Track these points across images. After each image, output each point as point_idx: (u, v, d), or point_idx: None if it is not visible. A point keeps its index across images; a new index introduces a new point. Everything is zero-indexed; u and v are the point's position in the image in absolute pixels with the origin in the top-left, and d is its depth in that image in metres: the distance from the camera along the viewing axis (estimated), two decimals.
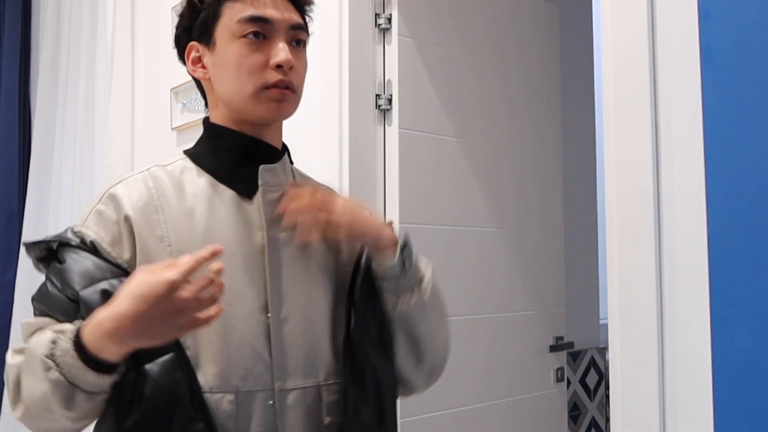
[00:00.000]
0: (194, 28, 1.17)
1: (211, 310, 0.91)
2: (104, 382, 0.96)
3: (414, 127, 2.10)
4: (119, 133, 2.68)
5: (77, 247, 1.07)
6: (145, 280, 0.91)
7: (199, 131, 2.36)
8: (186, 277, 0.90)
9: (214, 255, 0.92)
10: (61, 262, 1.05)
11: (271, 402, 1.08)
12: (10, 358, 1.03)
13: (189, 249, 1.01)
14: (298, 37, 1.16)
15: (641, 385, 1.27)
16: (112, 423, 1.00)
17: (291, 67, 1.12)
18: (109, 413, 1.01)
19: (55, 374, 0.93)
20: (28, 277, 2.90)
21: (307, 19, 1.21)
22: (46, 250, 1.09)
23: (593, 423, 3.12)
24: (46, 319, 1.03)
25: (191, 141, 2.81)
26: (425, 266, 1.21)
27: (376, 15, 2.06)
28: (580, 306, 2.90)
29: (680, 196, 1.25)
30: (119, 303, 0.92)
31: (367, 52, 2.03)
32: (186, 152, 1.21)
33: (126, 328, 0.91)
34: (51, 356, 0.94)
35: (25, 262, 2.91)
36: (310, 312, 1.13)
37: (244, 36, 1.12)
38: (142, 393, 0.98)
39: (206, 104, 1.24)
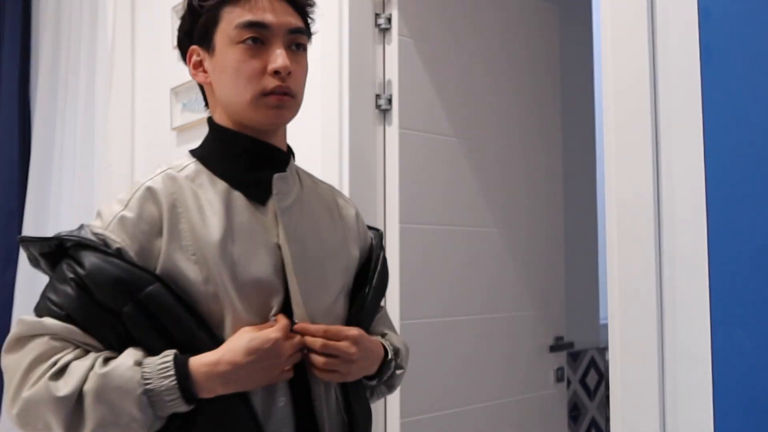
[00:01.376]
0: (194, 32, 1.16)
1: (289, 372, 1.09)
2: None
3: (414, 127, 2.10)
4: (119, 133, 2.68)
5: (99, 250, 1.04)
6: (253, 336, 1.04)
7: (199, 131, 2.37)
8: (286, 335, 1.07)
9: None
10: (79, 262, 1.03)
11: (282, 402, 1.10)
12: (9, 358, 1.03)
13: (210, 258, 1.07)
14: (297, 41, 1.14)
15: (641, 385, 1.27)
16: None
17: (289, 73, 1.11)
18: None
19: (148, 411, 0.98)
20: (28, 276, 2.90)
21: (309, 21, 1.19)
22: (56, 246, 1.06)
23: (593, 423, 3.12)
24: (70, 327, 1.01)
25: (191, 141, 2.83)
26: (405, 363, 1.30)
27: (376, 15, 2.06)
28: (580, 306, 2.90)
29: (680, 197, 1.25)
30: (234, 353, 1.03)
31: (367, 52, 2.03)
32: (193, 154, 1.19)
33: (237, 373, 1.02)
34: (148, 392, 0.98)
35: (25, 262, 2.91)
36: (328, 310, 1.17)
37: (242, 42, 1.10)
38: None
39: (206, 104, 1.23)
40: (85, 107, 2.83)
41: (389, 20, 2.06)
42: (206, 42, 1.15)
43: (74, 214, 2.78)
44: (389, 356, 1.23)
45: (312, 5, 1.19)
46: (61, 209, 2.87)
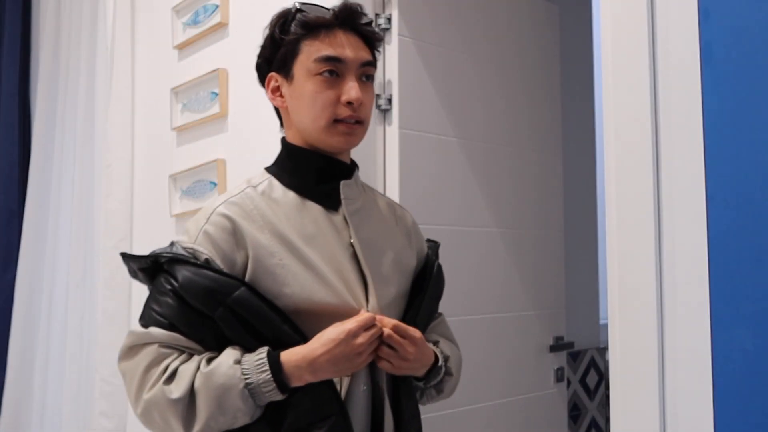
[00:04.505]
0: (274, 61, 1.28)
1: (370, 356, 1.19)
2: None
3: (414, 127, 2.10)
4: (119, 133, 2.68)
5: (190, 262, 1.16)
6: (334, 330, 1.15)
7: (200, 131, 2.38)
8: (361, 329, 1.15)
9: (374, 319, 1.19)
10: (174, 276, 1.15)
11: (364, 387, 1.24)
12: (125, 364, 1.17)
13: (294, 261, 1.19)
14: (367, 72, 1.27)
15: (641, 385, 1.27)
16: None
17: (360, 103, 1.23)
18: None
19: (249, 402, 1.12)
20: (28, 277, 2.89)
21: (376, 53, 1.31)
22: (152, 262, 1.19)
23: (593, 423, 3.12)
24: (175, 335, 1.15)
25: (191, 141, 2.81)
26: (455, 370, 1.39)
27: (376, 15, 2.06)
28: (580, 306, 2.90)
29: (680, 196, 1.25)
30: (315, 345, 1.15)
31: None
32: (269, 171, 1.32)
33: (320, 363, 1.14)
34: (248, 386, 1.11)
35: (25, 262, 2.91)
36: (390, 306, 1.29)
37: (320, 74, 1.23)
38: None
39: (281, 123, 1.34)
40: (85, 107, 2.83)
41: (389, 20, 2.06)
42: (285, 70, 1.27)
43: (74, 214, 2.77)
44: (439, 363, 1.33)
45: (380, 40, 1.32)
46: (61, 209, 2.86)
